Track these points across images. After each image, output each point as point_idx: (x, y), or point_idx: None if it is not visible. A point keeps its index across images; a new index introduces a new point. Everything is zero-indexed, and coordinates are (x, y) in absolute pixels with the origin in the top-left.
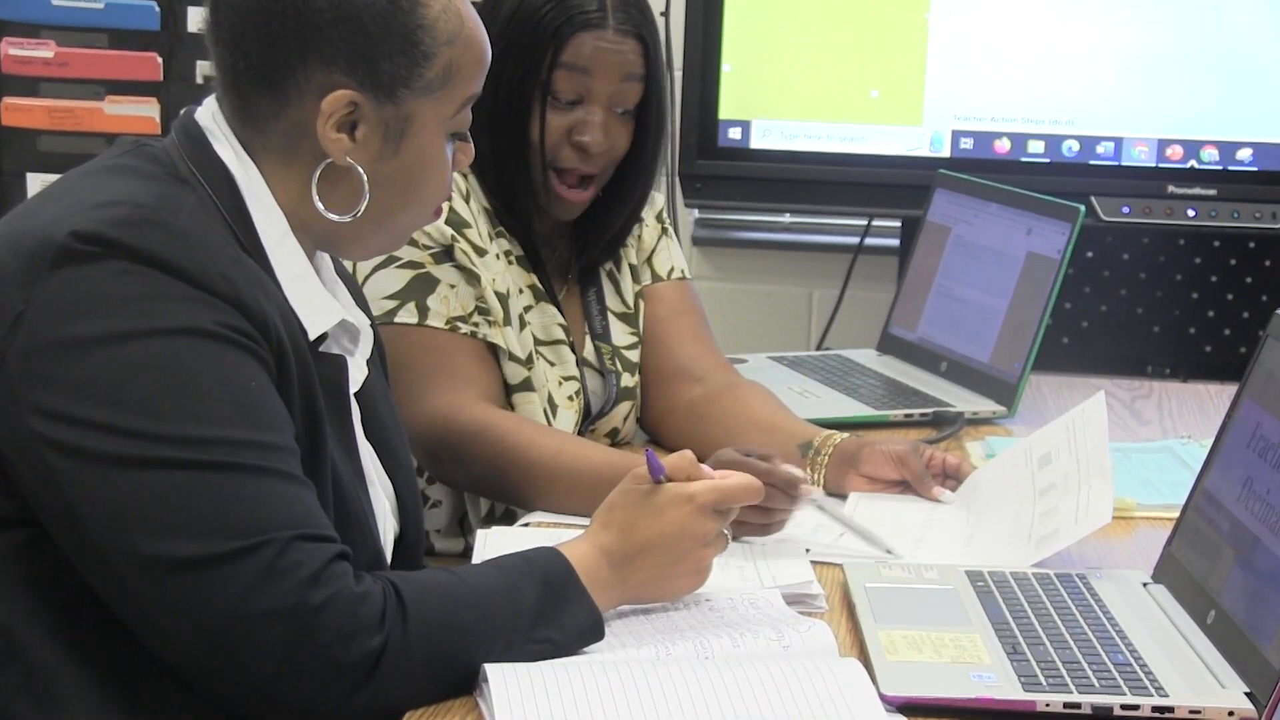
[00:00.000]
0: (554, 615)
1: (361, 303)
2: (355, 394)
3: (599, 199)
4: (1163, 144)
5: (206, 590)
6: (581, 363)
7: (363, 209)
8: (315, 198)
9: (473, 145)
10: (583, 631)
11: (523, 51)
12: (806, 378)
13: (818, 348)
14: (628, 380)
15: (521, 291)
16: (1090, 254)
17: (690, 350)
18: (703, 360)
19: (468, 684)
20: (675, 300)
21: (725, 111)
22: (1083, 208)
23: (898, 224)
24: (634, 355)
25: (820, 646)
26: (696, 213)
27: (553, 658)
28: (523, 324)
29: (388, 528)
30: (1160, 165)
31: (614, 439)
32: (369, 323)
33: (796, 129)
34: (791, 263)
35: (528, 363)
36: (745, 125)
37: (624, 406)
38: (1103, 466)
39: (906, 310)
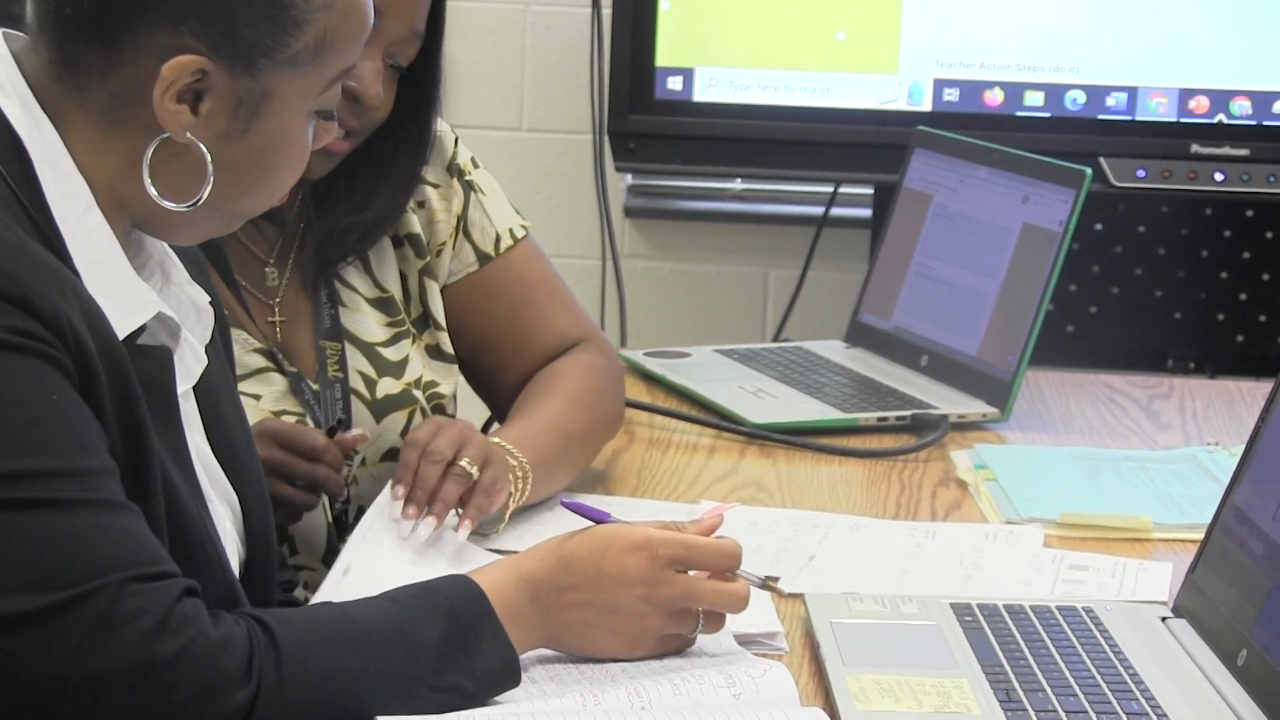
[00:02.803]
0: (462, 657)
1: (201, 276)
2: (194, 388)
3: (345, 186)
4: (1185, 95)
5: (29, 654)
6: (299, 380)
7: (205, 196)
8: (146, 180)
9: (338, 123)
10: (495, 676)
11: None
12: (761, 374)
13: (774, 339)
14: (389, 387)
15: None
16: (1099, 226)
17: (563, 322)
18: (565, 330)
19: None
20: (523, 269)
21: (663, 57)
22: (1090, 171)
23: (869, 191)
24: (393, 353)
25: (777, 694)
26: (629, 178)
27: (460, 708)
28: None
29: (233, 552)
30: (1182, 120)
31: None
32: (208, 299)
33: (748, 78)
34: (743, 238)
35: None
36: (687, 74)
37: (393, 420)
38: None
39: (880, 294)
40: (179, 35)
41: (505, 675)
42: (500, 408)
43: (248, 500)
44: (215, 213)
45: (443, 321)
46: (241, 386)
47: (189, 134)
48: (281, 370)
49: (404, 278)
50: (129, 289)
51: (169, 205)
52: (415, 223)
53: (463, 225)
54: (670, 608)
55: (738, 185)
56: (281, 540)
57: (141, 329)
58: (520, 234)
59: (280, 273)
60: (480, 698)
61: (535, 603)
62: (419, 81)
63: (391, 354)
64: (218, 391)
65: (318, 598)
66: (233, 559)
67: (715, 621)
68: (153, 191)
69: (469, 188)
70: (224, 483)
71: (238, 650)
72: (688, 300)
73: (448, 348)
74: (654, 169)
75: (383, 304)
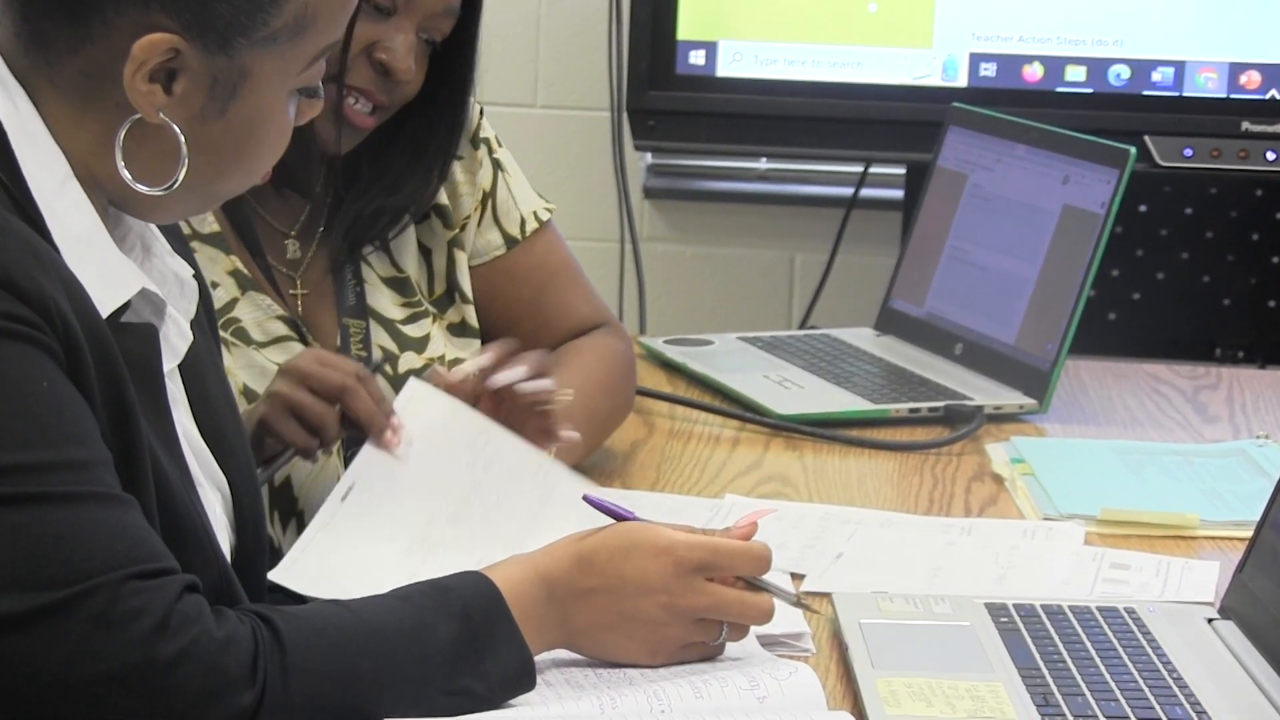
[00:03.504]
0: (475, 659)
1: (182, 248)
2: (179, 366)
3: (376, 168)
4: (1235, 69)
5: (26, 656)
6: None
7: (180, 180)
8: (119, 163)
9: (323, 98)
10: (509, 679)
11: None
12: (787, 363)
13: (801, 326)
14: (411, 361)
15: (215, 287)
16: (1143, 208)
17: (584, 307)
18: (585, 315)
19: None
20: (546, 253)
21: (685, 30)
22: (1134, 150)
23: (901, 171)
24: (413, 330)
25: (804, 697)
26: (649, 157)
27: (472, 712)
28: (228, 325)
29: (224, 538)
30: (1232, 96)
31: None
32: (192, 272)
33: (774, 52)
34: (768, 220)
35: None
36: (710, 47)
37: None
38: None
39: (912, 279)
40: (149, 12)
41: (520, 678)
42: None
43: (237, 483)
44: (193, 194)
45: (470, 294)
46: (262, 353)
47: (162, 115)
48: (304, 342)
49: (427, 253)
50: (111, 264)
51: (142, 189)
52: (442, 194)
53: (491, 205)
54: (693, 617)
55: (763, 165)
56: (290, 513)
57: (125, 306)
58: (545, 217)
59: (303, 247)
60: (493, 701)
61: (552, 603)
62: (454, 59)
63: (411, 331)
64: (204, 369)
65: (311, 528)
66: (223, 545)
67: (740, 630)
68: (126, 175)
69: (496, 166)
70: (212, 465)
71: (242, 651)
72: (710, 285)
73: (473, 321)
74: (675, 148)
75: (398, 284)
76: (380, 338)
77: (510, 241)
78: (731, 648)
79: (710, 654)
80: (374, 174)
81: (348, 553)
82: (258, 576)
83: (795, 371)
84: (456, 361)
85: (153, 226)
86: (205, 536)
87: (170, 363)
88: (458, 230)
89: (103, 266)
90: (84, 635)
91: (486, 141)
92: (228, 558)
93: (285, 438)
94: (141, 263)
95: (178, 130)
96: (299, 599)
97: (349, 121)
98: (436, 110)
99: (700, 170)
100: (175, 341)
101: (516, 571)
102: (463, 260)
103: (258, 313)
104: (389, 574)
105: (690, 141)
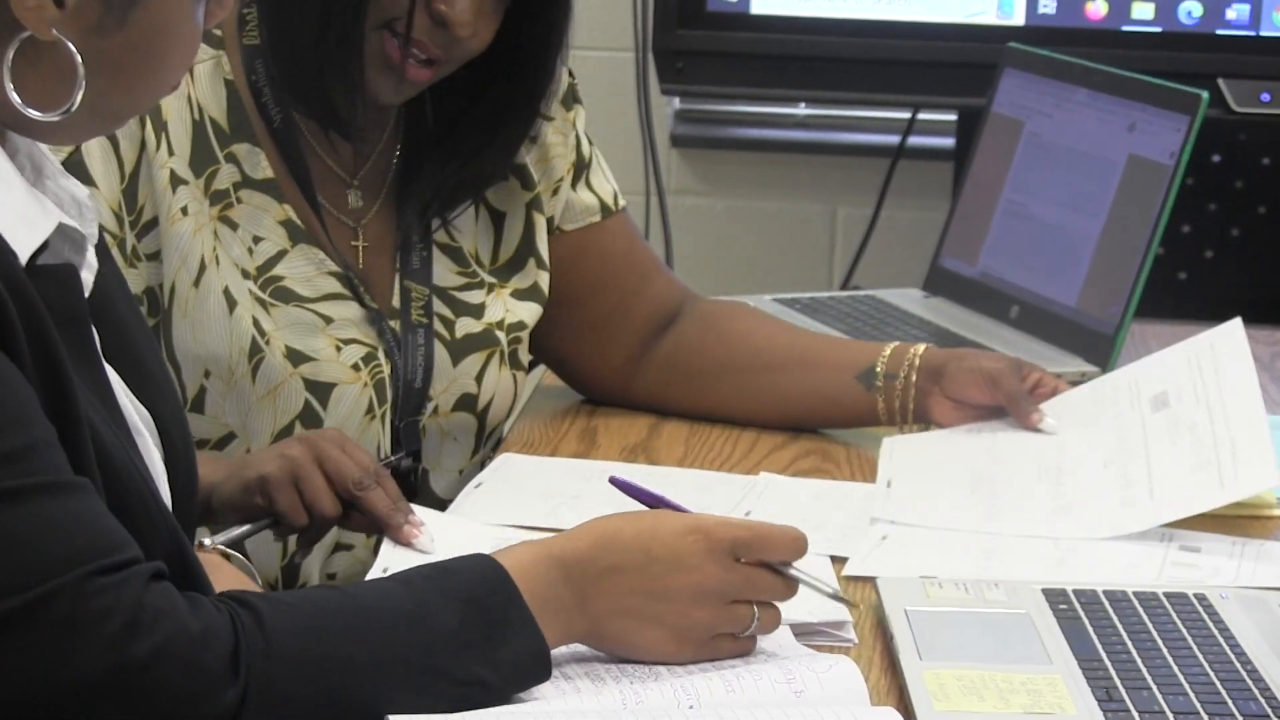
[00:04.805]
0: (484, 646)
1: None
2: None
3: (455, 136)
4: None
5: None
6: (379, 318)
7: (77, 103)
8: (8, 86)
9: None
10: (522, 668)
11: None
12: (827, 327)
13: (843, 287)
14: (469, 326)
15: (258, 241)
16: (1216, 158)
17: (656, 289)
18: (670, 295)
19: None
20: (623, 233)
21: None
22: (1206, 95)
23: (952, 118)
24: (469, 297)
25: (844, 691)
26: (677, 102)
27: (482, 706)
28: (267, 284)
29: (162, 485)
30: None
31: (484, 427)
32: (86, 192)
33: None
34: (807, 171)
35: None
36: None
37: (471, 363)
38: (1252, 411)
39: (964, 236)
40: None
41: (534, 668)
42: (586, 360)
43: (162, 414)
44: (95, 115)
45: (548, 260)
46: (311, 307)
47: (55, 31)
48: (359, 300)
49: (499, 217)
50: (23, 201)
51: (35, 115)
52: (527, 153)
53: (585, 171)
54: (726, 598)
55: (801, 111)
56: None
57: (43, 247)
58: (623, 203)
59: (366, 196)
60: (505, 693)
61: (569, 584)
62: (542, 15)
63: (467, 297)
64: (112, 295)
65: None
66: (163, 491)
67: (770, 619)
68: (16, 99)
69: (582, 142)
70: (132, 398)
71: (220, 643)
72: (743, 242)
73: (544, 287)
74: (705, 91)
75: (452, 253)
76: (436, 305)
77: (605, 211)
78: (765, 642)
79: (740, 650)
80: (451, 145)
81: None
82: (188, 513)
83: (837, 336)
84: (516, 325)
85: (50, 160)
86: (153, 502)
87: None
88: (540, 192)
89: (14, 204)
90: (51, 642)
91: (580, 103)
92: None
93: (279, 505)
94: (33, 186)
95: (72, 47)
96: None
97: (402, 72)
98: (521, 70)
99: (732, 116)
100: (84, 275)
101: (528, 553)
102: (542, 223)
103: (308, 267)
104: None
105: (722, 85)
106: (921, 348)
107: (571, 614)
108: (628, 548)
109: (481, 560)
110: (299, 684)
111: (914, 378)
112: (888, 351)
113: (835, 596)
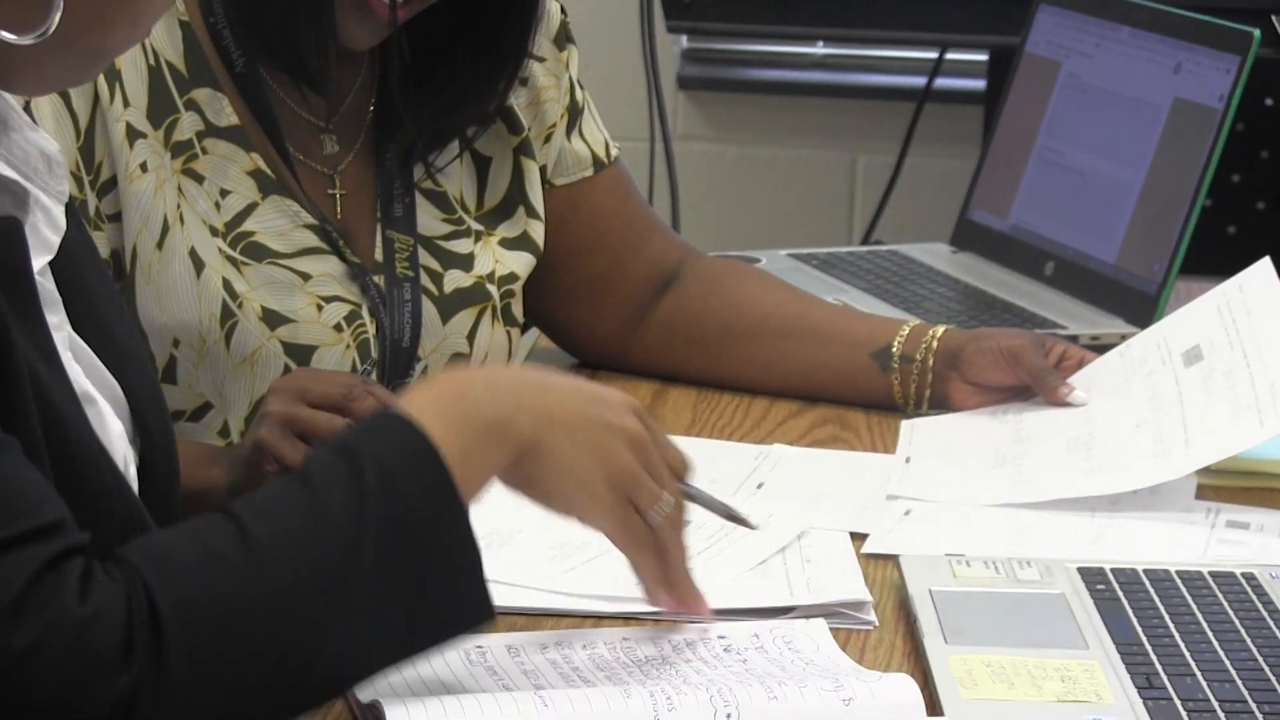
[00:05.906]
0: (412, 572)
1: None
2: (50, 264)
3: (438, 77)
4: None
5: None
6: (361, 273)
7: (54, 24)
8: None
9: None
10: (456, 586)
11: None
12: (847, 285)
13: (864, 241)
14: (459, 280)
15: (225, 194)
16: (1269, 101)
17: (652, 248)
18: (667, 254)
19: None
20: (616, 189)
21: None
22: (1258, 32)
23: (983, 58)
24: (457, 247)
25: (898, 704)
26: (683, 40)
27: (428, 648)
28: (237, 241)
29: (129, 462)
30: None
31: None
32: (57, 148)
33: None
34: (826, 115)
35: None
36: None
37: (461, 319)
38: None
39: (995, 186)
40: None
41: (462, 562)
42: (580, 324)
43: (135, 389)
44: (69, 50)
45: (540, 209)
46: (286, 263)
47: None
48: (339, 254)
49: (484, 162)
50: None
51: (8, 36)
52: (517, 95)
53: (579, 119)
54: (647, 452)
55: (819, 50)
56: None
57: None
58: (615, 152)
59: (342, 142)
60: (450, 628)
61: (496, 399)
62: None
63: (455, 247)
64: (80, 262)
65: None
66: (128, 465)
67: (675, 521)
68: None
69: (575, 86)
70: (103, 373)
71: (110, 623)
72: (755, 193)
73: (537, 237)
74: (715, 29)
75: (436, 198)
76: (422, 256)
77: (598, 164)
78: (801, 649)
79: (635, 534)
80: (439, 80)
81: None
82: (169, 503)
83: (856, 295)
84: (508, 277)
85: (8, 96)
86: (103, 459)
87: (42, 259)
88: (529, 137)
89: None
90: None
91: (571, 37)
92: (133, 478)
93: (287, 460)
94: None
95: None
96: None
97: (372, 10)
98: (504, 5)
99: (744, 56)
100: (46, 233)
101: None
102: (533, 171)
103: (282, 220)
104: None
105: (732, 22)
106: (940, 330)
107: (505, 426)
108: (554, 376)
109: (399, 436)
110: (205, 666)
111: (931, 362)
112: (906, 331)
113: (731, 517)
